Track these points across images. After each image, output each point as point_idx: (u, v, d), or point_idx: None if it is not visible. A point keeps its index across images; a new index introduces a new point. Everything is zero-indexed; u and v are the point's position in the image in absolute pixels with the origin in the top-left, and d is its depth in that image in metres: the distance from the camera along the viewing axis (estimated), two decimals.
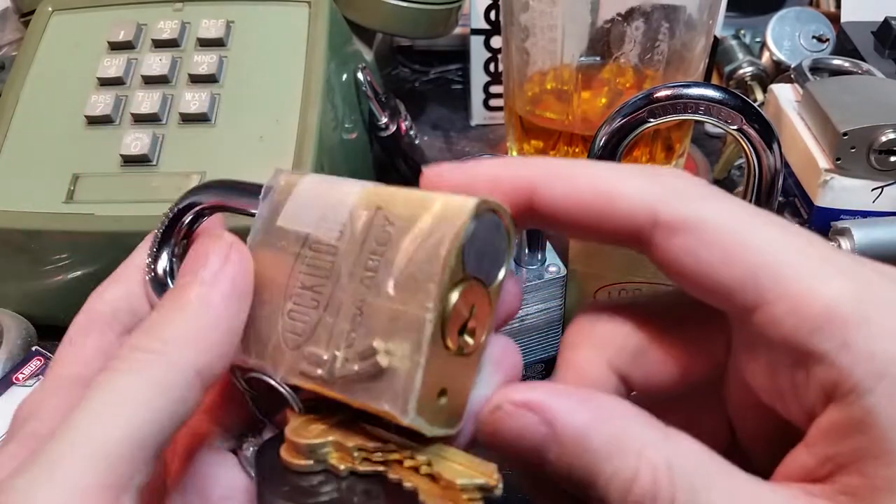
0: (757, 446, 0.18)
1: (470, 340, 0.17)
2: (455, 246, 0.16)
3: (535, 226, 0.18)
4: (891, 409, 0.13)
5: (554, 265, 0.39)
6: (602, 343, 0.18)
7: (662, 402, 0.18)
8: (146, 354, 0.16)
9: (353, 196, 0.18)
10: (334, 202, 0.18)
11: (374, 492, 0.17)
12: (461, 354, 0.17)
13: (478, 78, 0.58)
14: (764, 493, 0.15)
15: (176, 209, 0.21)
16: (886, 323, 0.14)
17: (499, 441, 0.16)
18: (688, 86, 0.33)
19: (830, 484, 0.14)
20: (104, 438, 0.15)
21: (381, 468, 0.17)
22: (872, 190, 0.43)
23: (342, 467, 0.17)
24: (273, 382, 0.18)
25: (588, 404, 0.15)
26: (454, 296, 0.16)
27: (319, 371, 0.17)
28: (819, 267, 0.14)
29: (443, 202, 0.17)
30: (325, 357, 0.17)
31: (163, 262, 0.21)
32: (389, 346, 0.16)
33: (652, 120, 0.34)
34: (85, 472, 0.14)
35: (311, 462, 0.17)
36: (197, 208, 0.21)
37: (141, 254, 0.22)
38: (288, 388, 0.18)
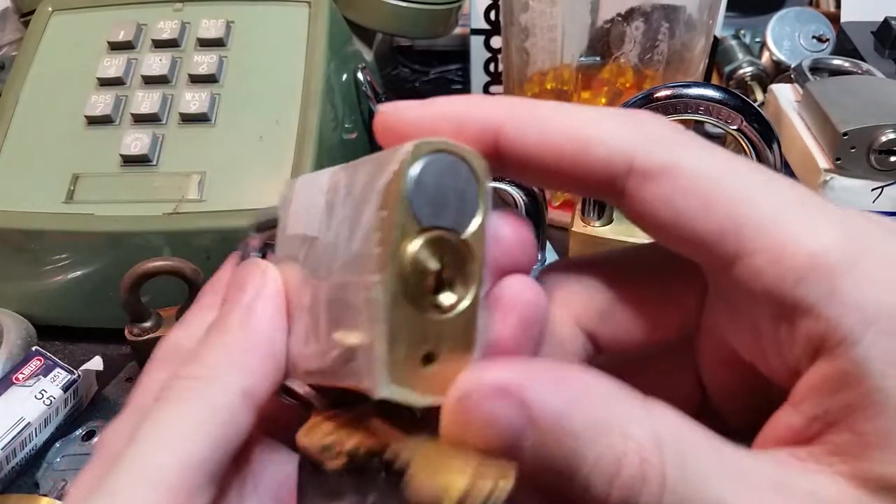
0: (733, 407, 0.17)
1: (449, 297, 0.15)
2: (391, 197, 0.14)
3: (500, 173, 0.16)
4: (882, 358, 0.13)
5: None
6: (569, 301, 0.17)
7: (630, 362, 0.18)
8: (193, 381, 0.16)
9: (324, 181, 0.17)
10: (314, 193, 0.18)
11: (372, 491, 0.16)
12: (443, 312, 0.15)
13: (478, 78, 0.58)
14: (751, 462, 0.14)
15: (243, 253, 0.21)
16: (875, 269, 0.13)
17: (467, 432, 0.14)
18: (688, 86, 0.33)
19: (820, 445, 0.14)
20: (159, 467, 0.15)
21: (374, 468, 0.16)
22: (872, 190, 0.43)
23: (337, 466, 0.16)
24: (291, 385, 0.18)
25: (566, 383, 0.14)
26: (410, 251, 0.15)
27: (317, 365, 0.16)
28: (804, 215, 0.14)
29: (386, 155, 0.15)
30: (318, 349, 0.16)
31: None
32: (358, 322, 0.15)
33: None
34: (144, 500, 0.14)
35: (325, 462, 0.16)
36: (258, 249, 0.21)
37: (212, 291, 0.22)
38: (306, 388, 0.18)
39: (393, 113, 0.16)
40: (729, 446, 0.14)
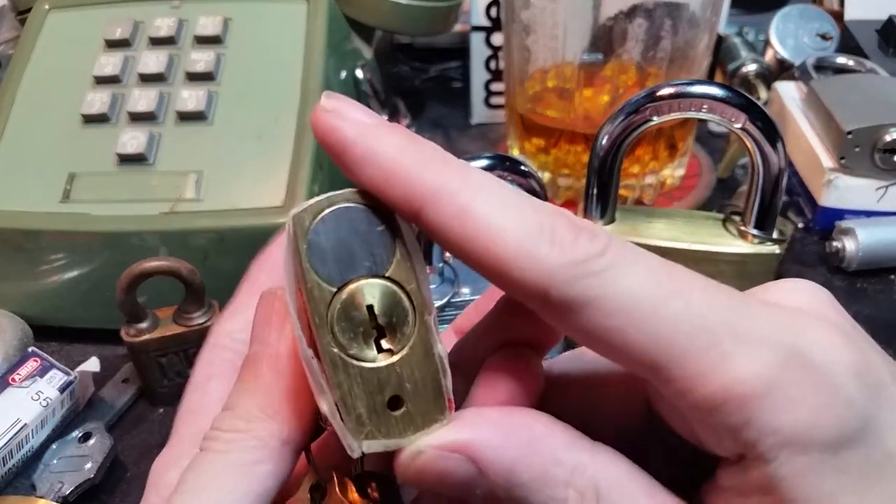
0: (674, 436, 0.18)
1: (394, 336, 0.15)
2: (297, 279, 0.15)
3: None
4: (794, 474, 0.14)
5: None
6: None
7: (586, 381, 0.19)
8: (232, 434, 0.17)
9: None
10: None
11: None
12: (395, 353, 0.15)
13: (478, 76, 0.57)
14: None
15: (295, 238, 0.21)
16: (793, 388, 0.14)
17: (422, 483, 0.15)
18: (691, 84, 0.33)
19: None
20: None
21: None
22: (877, 189, 0.43)
23: None
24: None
25: (514, 435, 0.15)
26: (334, 314, 0.15)
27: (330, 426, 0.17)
28: (721, 343, 0.14)
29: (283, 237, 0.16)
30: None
31: None
32: (319, 389, 0.16)
33: (655, 118, 0.33)
34: None
35: None
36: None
37: (256, 274, 0.22)
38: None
39: (332, 116, 0.15)
40: (667, 496, 0.15)
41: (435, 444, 0.15)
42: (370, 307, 0.15)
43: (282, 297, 0.18)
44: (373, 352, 0.15)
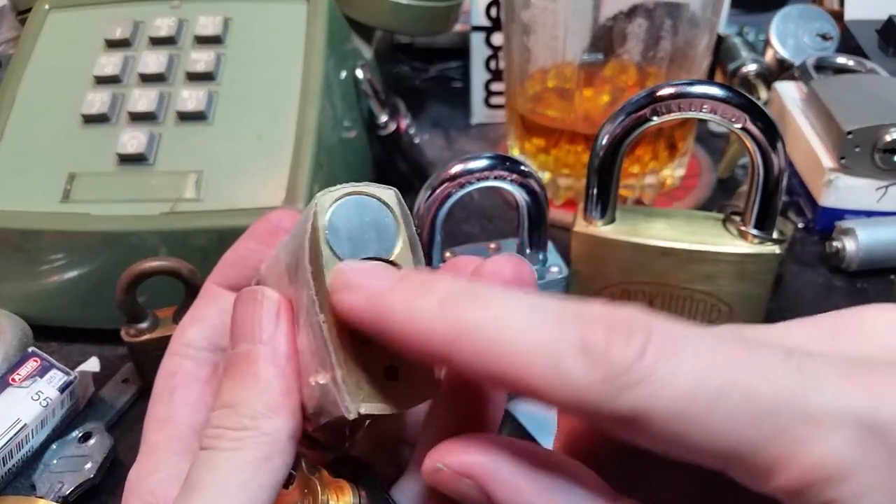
0: None
1: None
2: (313, 247, 0.17)
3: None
4: None
5: (556, 265, 0.39)
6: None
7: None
8: (239, 432, 0.17)
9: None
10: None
11: None
12: None
13: (478, 75, 0.57)
14: None
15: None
16: (872, 475, 0.13)
17: (442, 491, 0.16)
18: (691, 84, 0.33)
19: None
20: None
21: None
22: (877, 189, 0.43)
23: None
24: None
25: (533, 476, 0.15)
26: None
27: (311, 410, 0.18)
28: (794, 427, 0.13)
29: (304, 212, 0.17)
30: (307, 393, 0.18)
31: None
32: (322, 359, 0.17)
33: (655, 118, 0.33)
34: None
35: None
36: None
37: (210, 286, 0.22)
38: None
39: (342, 296, 0.16)
40: None
41: (453, 464, 0.15)
42: None
43: (271, 294, 0.18)
44: None
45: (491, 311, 0.14)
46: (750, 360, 0.13)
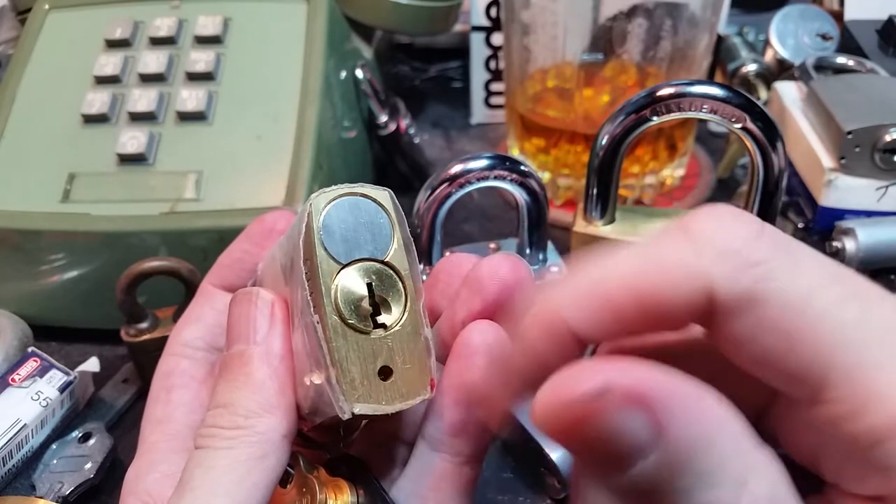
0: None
1: (388, 314, 0.17)
2: (307, 248, 0.17)
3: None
4: None
5: (555, 265, 0.39)
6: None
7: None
8: (234, 431, 0.17)
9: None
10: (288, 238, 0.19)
11: None
12: (388, 329, 0.17)
13: (478, 75, 0.57)
14: None
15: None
16: None
17: (573, 434, 0.12)
18: (691, 84, 0.33)
19: None
20: None
21: None
22: (877, 189, 0.43)
23: None
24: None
25: (705, 412, 0.12)
26: (336, 285, 0.17)
27: (306, 410, 0.18)
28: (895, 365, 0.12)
29: (300, 213, 0.17)
30: (302, 393, 0.18)
31: None
32: (317, 359, 0.17)
33: (655, 118, 0.33)
34: None
35: None
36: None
37: (206, 287, 0.22)
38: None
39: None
40: None
41: (624, 383, 0.11)
42: (370, 285, 0.17)
43: (265, 295, 0.18)
44: (369, 325, 0.17)
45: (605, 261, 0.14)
46: (875, 290, 0.13)
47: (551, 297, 0.14)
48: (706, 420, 0.12)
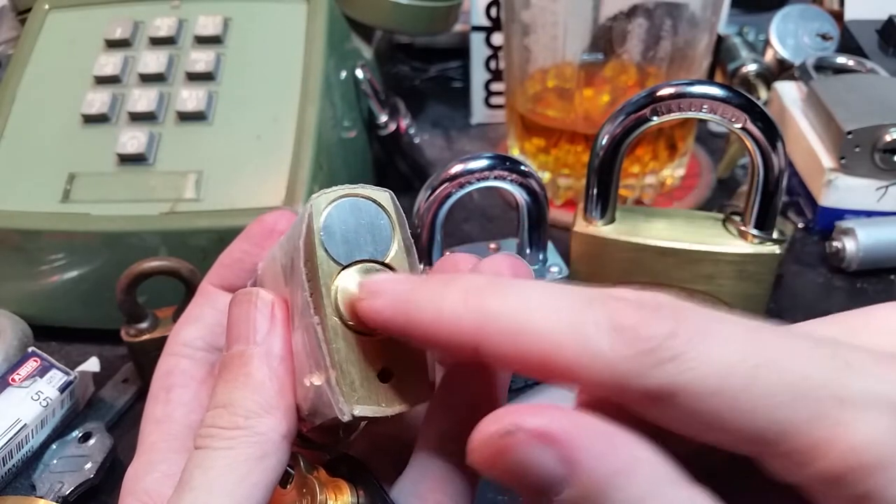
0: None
1: None
2: (307, 249, 0.17)
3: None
4: None
5: (556, 265, 0.39)
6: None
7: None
8: (233, 431, 0.17)
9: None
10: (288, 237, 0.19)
11: None
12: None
13: (478, 75, 0.57)
14: None
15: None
16: None
17: (493, 469, 0.14)
18: (691, 84, 0.33)
19: None
20: None
21: None
22: (877, 189, 0.43)
23: None
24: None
25: (617, 451, 0.13)
26: (337, 286, 0.17)
27: (306, 411, 0.18)
28: (829, 410, 0.12)
29: (301, 213, 0.17)
30: (302, 394, 0.18)
31: None
32: (317, 360, 0.17)
33: (655, 118, 0.33)
34: None
35: None
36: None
37: (206, 286, 0.22)
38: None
39: (367, 302, 0.16)
40: None
41: (530, 425, 0.13)
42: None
43: (265, 296, 0.18)
44: (369, 326, 0.17)
45: (515, 298, 0.14)
46: (785, 343, 0.13)
47: (471, 314, 0.15)
48: (621, 457, 0.13)
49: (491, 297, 0.14)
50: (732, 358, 0.13)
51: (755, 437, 0.13)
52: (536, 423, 0.13)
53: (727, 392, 0.13)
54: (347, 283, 0.17)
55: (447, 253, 0.39)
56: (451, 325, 0.15)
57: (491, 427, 0.13)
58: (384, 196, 0.18)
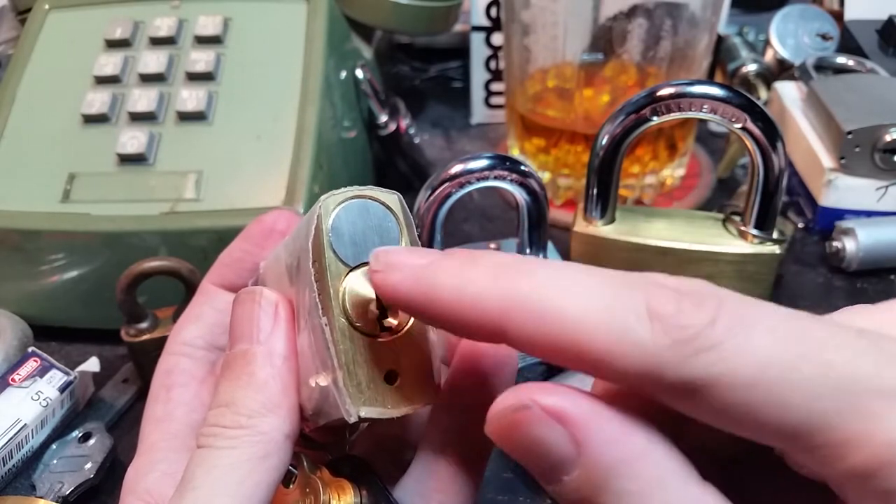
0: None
1: (395, 318, 0.17)
2: (315, 251, 0.17)
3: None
4: None
5: None
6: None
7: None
8: (236, 430, 0.17)
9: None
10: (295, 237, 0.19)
11: None
12: (394, 333, 0.17)
13: (478, 75, 0.57)
14: None
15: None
16: None
17: (507, 442, 0.14)
18: (691, 84, 0.33)
19: None
20: None
21: None
22: (877, 189, 0.43)
23: None
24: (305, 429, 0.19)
25: (630, 437, 0.13)
26: (345, 288, 0.17)
27: (310, 411, 0.18)
28: (871, 403, 0.12)
29: (309, 214, 0.17)
30: (306, 394, 0.18)
31: None
32: (323, 360, 0.17)
33: (655, 118, 0.33)
34: None
35: None
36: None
37: (207, 286, 0.22)
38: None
39: (386, 275, 0.15)
40: None
41: (545, 402, 0.13)
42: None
43: (269, 295, 0.18)
44: (376, 328, 0.17)
45: (546, 278, 0.13)
46: (826, 334, 0.13)
47: (502, 295, 0.14)
48: (630, 446, 0.13)
49: (520, 277, 0.14)
50: (773, 348, 0.12)
51: (789, 431, 0.12)
52: (551, 402, 0.13)
53: (765, 384, 0.12)
54: (355, 284, 0.17)
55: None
56: (476, 304, 0.14)
57: (508, 400, 0.13)
58: (392, 198, 0.18)
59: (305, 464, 0.18)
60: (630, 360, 0.13)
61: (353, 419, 0.16)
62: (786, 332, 0.13)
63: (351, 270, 0.17)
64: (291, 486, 0.18)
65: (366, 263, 0.17)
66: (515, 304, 0.13)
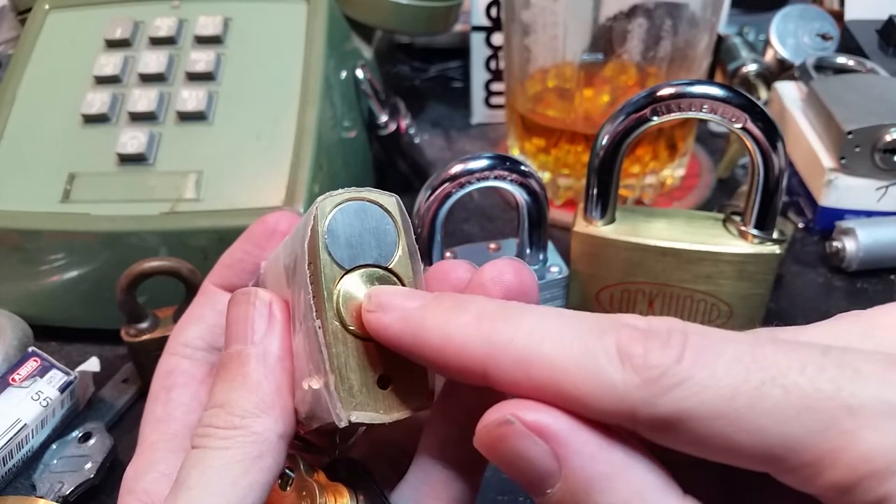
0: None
1: None
2: (311, 252, 0.16)
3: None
4: None
5: (556, 265, 0.39)
6: None
7: None
8: (229, 431, 0.17)
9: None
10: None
11: None
12: None
13: (478, 75, 0.57)
14: None
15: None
16: None
17: (491, 454, 0.15)
18: (691, 84, 0.33)
19: None
20: None
21: None
22: (877, 189, 0.43)
23: None
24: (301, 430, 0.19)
25: (609, 453, 0.14)
26: (339, 291, 0.17)
27: (303, 414, 0.18)
28: (839, 421, 0.12)
29: (306, 216, 0.17)
30: (300, 396, 0.18)
31: None
32: (316, 363, 0.17)
33: (655, 118, 0.33)
34: None
35: None
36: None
37: (207, 286, 0.22)
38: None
39: (377, 316, 0.16)
40: None
41: (527, 418, 0.14)
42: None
43: (263, 296, 0.18)
44: (366, 332, 0.17)
45: (526, 325, 0.14)
46: (789, 357, 0.13)
47: (482, 340, 0.15)
48: (610, 461, 0.14)
49: (502, 324, 0.14)
50: (738, 377, 0.13)
51: (764, 455, 0.13)
52: (533, 418, 0.14)
53: (733, 414, 0.13)
54: (350, 287, 0.17)
55: (447, 254, 0.39)
56: (460, 349, 0.15)
57: (493, 414, 0.14)
58: (390, 201, 0.17)
59: (302, 466, 0.18)
60: (606, 401, 0.13)
61: (343, 423, 0.16)
62: (751, 360, 0.13)
63: (346, 273, 0.17)
64: (288, 489, 0.18)
65: (362, 266, 0.17)
66: (497, 350, 0.14)
